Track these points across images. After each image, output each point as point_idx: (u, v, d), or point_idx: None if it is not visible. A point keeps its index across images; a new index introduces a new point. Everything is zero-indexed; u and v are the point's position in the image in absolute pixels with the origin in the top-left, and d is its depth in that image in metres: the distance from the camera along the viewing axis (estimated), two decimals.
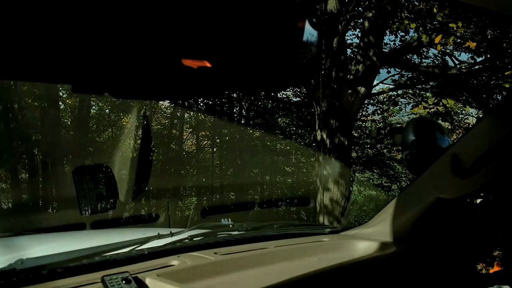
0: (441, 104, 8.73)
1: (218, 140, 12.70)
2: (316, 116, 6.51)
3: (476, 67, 7.23)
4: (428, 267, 1.51)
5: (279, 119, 12.49)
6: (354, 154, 11.73)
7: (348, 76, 6.14)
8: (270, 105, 12.04)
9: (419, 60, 8.96)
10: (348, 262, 1.38)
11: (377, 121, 11.47)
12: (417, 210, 1.47)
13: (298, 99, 11.95)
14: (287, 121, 12.32)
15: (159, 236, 1.43)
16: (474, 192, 1.29)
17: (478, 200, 1.47)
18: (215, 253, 1.38)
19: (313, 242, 1.59)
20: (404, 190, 1.57)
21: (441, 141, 1.64)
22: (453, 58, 7.86)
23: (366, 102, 10.99)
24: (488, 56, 7.03)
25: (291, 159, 13.00)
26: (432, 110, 8.64)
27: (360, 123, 11.83)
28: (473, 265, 1.58)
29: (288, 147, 13.10)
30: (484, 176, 1.23)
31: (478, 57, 7.45)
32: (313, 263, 1.39)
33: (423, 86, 9.19)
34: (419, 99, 10.21)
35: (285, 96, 12.19)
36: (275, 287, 1.13)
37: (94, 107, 11.13)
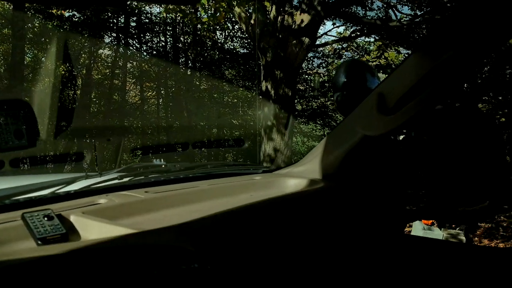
0: (383, 57, 8.93)
1: (157, 85, 12.43)
2: (261, 67, 6.50)
3: (417, 20, 7.42)
4: (355, 201, 1.58)
5: (226, 71, 12.39)
6: (299, 107, 11.92)
7: (293, 26, 6.11)
8: (217, 56, 11.87)
9: (364, 12, 9.06)
10: (277, 197, 1.41)
11: (321, 74, 11.63)
12: (345, 148, 1.52)
13: (244, 50, 11.85)
14: (234, 73, 12.23)
15: (87, 176, 1.39)
16: (397, 128, 1.35)
17: (401, 137, 1.54)
18: (145, 192, 1.37)
19: (245, 181, 1.61)
20: (333, 130, 1.61)
21: (371, 83, 1.69)
22: (396, 10, 8.01)
23: (311, 55, 11.08)
24: (428, 9, 7.22)
25: (235, 108, 12.98)
26: (374, 63, 8.84)
27: (306, 76, 11.97)
28: (397, 201, 1.67)
29: (236, 100, 13.07)
30: (406, 112, 1.28)
31: (419, 11, 7.64)
32: (244, 199, 1.42)
33: (366, 38, 9.35)
34: (363, 53, 10.41)
35: (232, 46, 12.03)
36: (204, 220, 1.13)
37: (29, 54, 10.58)
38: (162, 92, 12.36)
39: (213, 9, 6.28)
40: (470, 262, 1.62)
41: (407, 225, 5.53)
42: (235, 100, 13.16)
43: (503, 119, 7.78)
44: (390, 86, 1.38)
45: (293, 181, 1.62)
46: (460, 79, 1.28)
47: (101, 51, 11.60)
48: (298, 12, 6.16)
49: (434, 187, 1.71)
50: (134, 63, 12.12)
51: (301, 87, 11.75)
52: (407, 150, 1.54)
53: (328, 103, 11.77)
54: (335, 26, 8.90)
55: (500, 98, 7.99)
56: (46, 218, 1.07)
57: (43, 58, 10.58)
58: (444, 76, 1.23)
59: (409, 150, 1.54)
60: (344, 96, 1.66)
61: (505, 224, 6.35)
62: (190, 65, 11.77)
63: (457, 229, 5.24)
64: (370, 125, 1.41)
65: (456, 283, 1.56)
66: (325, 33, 9.65)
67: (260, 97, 6.61)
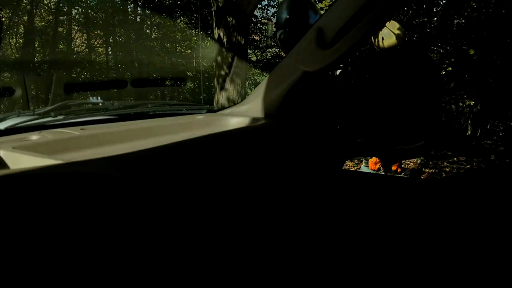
0: None
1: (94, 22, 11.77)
2: (213, 13, 6.33)
3: None
4: (295, 137, 1.61)
5: (178, 20, 11.99)
6: (254, 58, 11.80)
7: None
8: (167, 2, 11.42)
9: None
10: (218, 133, 1.41)
11: None
12: (286, 85, 1.53)
13: None
14: (186, 20, 11.85)
15: (19, 114, 1.33)
16: (334, 62, 1.36)
17: (338, 72, 1.56)
18: (81, 129, 1.33)
19: (187, 120, 1.59)
20: (275, 68, 1.61)
21: (313, 19, 1.67)
22: None
23: (266, 3, 10.86)
24: None
25: (182, 53, 12.62)
26: None
27: (261, 25, 11.78)
28: (336, 136, 1.71)
29: (189, 50, 12.74)
30: (343, 45, 1.29)
31: None
32: (186, 137, 1.41)
33: None
34: (316, 1, 10.31)
35: None
36: (139, 152, 1.12)
37: None
38: (106, 34, 11.74)
39: None
40: (403, 193, 1.70)
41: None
42: (189, 51, 12.84)
43: (450, 69, 8.04)
44: (328, 20, 1.38)
45: (235, 119, 1.63)
46: (395, 11, 1.30)
47: None
48: None
49: (373, 124, 1.76)
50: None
51: (256, 37, 11.59)
52: (344, 86, 1.57)
53: (282, 53, 11.70)
54: None
55: (448, 48, 8.21)
56: None
57: None
58: (379, 8, 1.24)
59: (346, 85, 1.57)
60: (287, 33, 1.64)
61: (447, 169, 6.71)
62: (139, 11, 11.29)
63: (402, 174, 5.49)
64: (309, 61, 1.41)
65: (391, 212, 1.64)
66: None
67: (211, 44, 6.48)
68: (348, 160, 6.23)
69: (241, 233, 1.28)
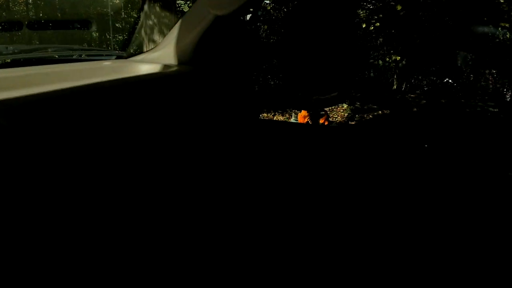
0: None
1: None
2: None
3: None
4: (210, 85, 1.56)
5: None
6: (186, 9, 11.41)
7: None
8: None
9: None
10: (126, 79, 1.33)
11: None
12: (198, 31, 1.47)
13: None
14: None
15: None
16: (244, 6, 1.31)
17: (248, 17, 1.52)
18: None
19: (93, 66, 1.49)
20: (187, 12, 1.53)
21: None
22: None
23: None
24: None
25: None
26: None
27: None
28: (250, 85, 1.69)
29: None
30: None
31: None
32: (88, 82, 1.31)
33: None
34: None
35: None
36: (33, 97, 1.03)
37: None
38: None
39: None
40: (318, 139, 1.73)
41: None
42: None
43: (378, 24, 8.23)
44: None
45: (146, 66, 1.55)
46: None
47: None
48: None
49: (288, 73, 1.75)
50: None
51: None
52: (254, 31, 1.53)
53: None
54: None
55: (377, 3, 8.37)
56: None
57: None
58: None
59: (256, 31, 1.53)
60: None
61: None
62: None
63: None
64: (219, 4, 1.35)
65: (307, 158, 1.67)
66: None
67: None
68: (279, 115, 6.32)
69: (149, 186, 1.23)
